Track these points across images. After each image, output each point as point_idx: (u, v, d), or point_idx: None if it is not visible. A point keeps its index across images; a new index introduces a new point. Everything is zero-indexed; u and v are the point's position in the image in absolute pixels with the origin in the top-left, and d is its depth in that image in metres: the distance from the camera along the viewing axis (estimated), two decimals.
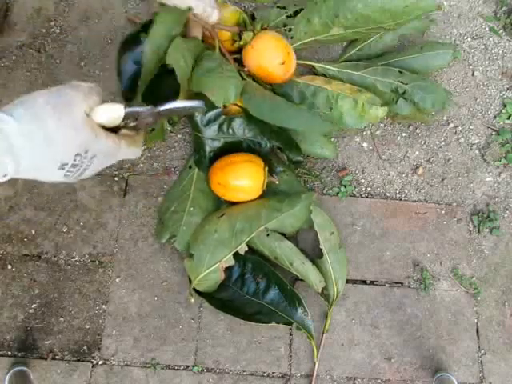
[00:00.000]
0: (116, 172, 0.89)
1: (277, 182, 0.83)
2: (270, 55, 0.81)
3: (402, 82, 0.86)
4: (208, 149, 0.84)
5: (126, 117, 0.53)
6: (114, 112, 0.52)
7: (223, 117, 0.83)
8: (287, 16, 0.89)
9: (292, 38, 0.88)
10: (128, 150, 0.56)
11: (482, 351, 0.86)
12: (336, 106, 0.84)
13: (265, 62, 0.82)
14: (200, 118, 0.83)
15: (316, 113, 0.85)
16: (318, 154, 0.90)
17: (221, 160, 0.83)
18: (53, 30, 0.95)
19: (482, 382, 0.85)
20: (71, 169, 0.52)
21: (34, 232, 0.85)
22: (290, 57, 0.83)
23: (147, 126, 0.57)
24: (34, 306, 0.82)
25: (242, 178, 0.80)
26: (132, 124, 0.55)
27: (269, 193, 0.84)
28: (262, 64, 0.82)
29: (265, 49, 0.81)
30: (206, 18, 0.76)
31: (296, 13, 0.89)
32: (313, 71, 0.91)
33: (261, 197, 0.83)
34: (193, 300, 0.81)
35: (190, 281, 0.80)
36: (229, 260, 0.79)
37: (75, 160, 0.52)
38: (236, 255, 0.80)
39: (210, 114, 0.83)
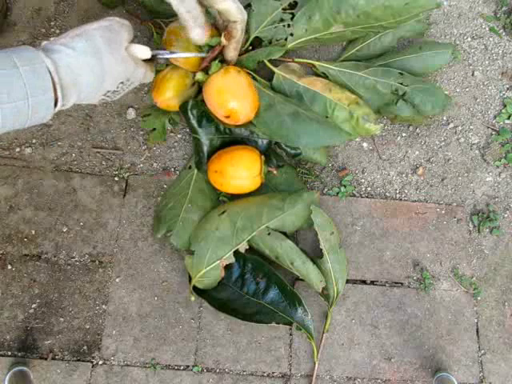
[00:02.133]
0: (116, 172, 0.89)
1: (275, 172, 0.83)
2: (215, 107, 0.81)
3: (402, 84, 0.86)
4: (206, 149, 0.84)
5: (151, 57, 0.67)
6: (144, 53, 0.64)
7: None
8: (283, 9, 0.88)
9: (292, 34, 0.87)
10: (148, 75, 0.67)
11: (482, 351, 0.86)
12: (332, 116, 0.85)
13: (212, 110, 0.82)
14: (197, 120, 0.83)
15: (325, 123, 0.83)
16: (310, 158, 0.89)
17: (218, 152, 0.84)
18: (53, 30, 0.95)
19: (481, 382, 0.85)
20: (111, 94, 0.62)
21: (33, 232, 0.85)
22: (237, 109, 0.79)
23: (158, 63, 0.75)
24: (34, 306, 0.82)
25: (238, 164, 0.80)
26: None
27: (269, 191, 0.85)
28: (211, 110, 0.82)
29: (211, 99, 0.81)
30: (188, 30, 0.73)
31: (291, 6, 0.88)
32: (313, 70, 0.91)
33: (260, 192, 0.83)
34: (193, 298, 0.81)
35: (190, 278, 0.81)
36: (229, 258, 0.80)
37: (117, 87, 0.61)
38: (236, 254, 0.80)
39: (207, 116, 0.83)
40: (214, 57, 0.79)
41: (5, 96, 0.47)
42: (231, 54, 0.79)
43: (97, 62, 0.56)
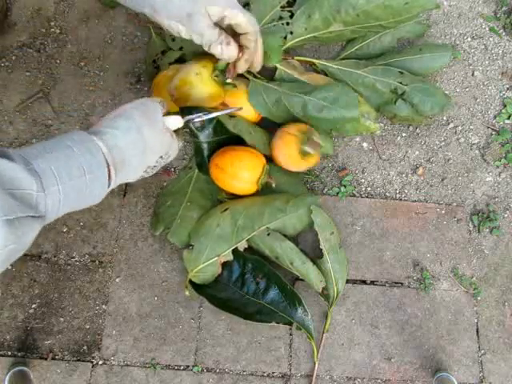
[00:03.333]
0: None
1: (273, 185, 0.83)
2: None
3: (401, 83, 0.86)
4: (206, 153, 0.84)
5: (184, 125, 0.67)
6: (178, 121, 0.65)
7: (216, 120, 0.84)
8: (281, 7, 0.88)
9: (291, 33, 0.87)
10: (179, 149, 0.68)
11: (482, 351, 0.86)
12: None
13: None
14: (194, 124, 0.83)
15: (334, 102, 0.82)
16: None
17: (224, 147, 0.84)
18: (53, 29, 0.95)
19: (481, 382, 0.85)
20: (150, 170, 0.63)
21: None
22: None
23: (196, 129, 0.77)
24: (34, 306, 0.82)
25: (240, 165, 0.80)
26: (183, 131, 0.71)
27: (269, 190, 0.84)
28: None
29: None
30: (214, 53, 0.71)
31: (290, 3, 0.88)
32: (313, 68, 0.91)
33: (260, 195, 0.83)
34: (187, 292, 0.81)
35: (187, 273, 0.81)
36: (228, 255, 0.80)
37: (157, 162, 0.62)
38: (236, 254, 0.80)
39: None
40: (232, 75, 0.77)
41: (65, 176, 0.49)
42: (242, 66, 0.75)
43: (139, 137, 0.58)
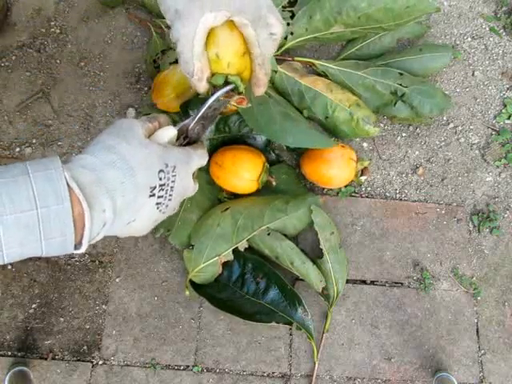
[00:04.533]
0: None
1: (273, 183, 0.83)
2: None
3: (401, 85, 0.86)
4: (206, 149, 0.85)
5: (179, 133, 0.57)
6: (170, 132, 0.55)
7: (219, 116, 0.84)
8: (282, 7, 0.88)
9: (292, 33, 0.87)
10: (197, 154, 0.56)
11: (482, 351, 0.86)
12: (332, 116, 0.86)
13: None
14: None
15: (313, 128, 0.84)
16: None
17: (224, 147, 0.84)
18: (53, 29, 0.95)
19: (481, 382, 0.85)
20: (160, 193, 0.51)
21: None
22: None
23: (199, 136, 0.60)
24: (34, 306, 0.82)
25: (241, 163, 0.81)
26: (185, 142, 0.58)
27: (268, 190, 0.85)
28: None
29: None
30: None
31: (291, 3, 0.88)
32: (313, 69, 0.91)
33: (260, 191, 0.83)
34: (187, 292, 0.81)
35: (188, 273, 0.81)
36: (228, 255, 0.80)
37: (160, 179, 0.50)
38: (236, 254, 0.80)
39: None
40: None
41: (8, 206, 0.39)
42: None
43: (115, 155, 0.47)
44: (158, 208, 0.51)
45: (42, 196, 0.40)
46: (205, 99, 0.56)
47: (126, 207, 0.47)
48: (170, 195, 0.52)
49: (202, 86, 0.55)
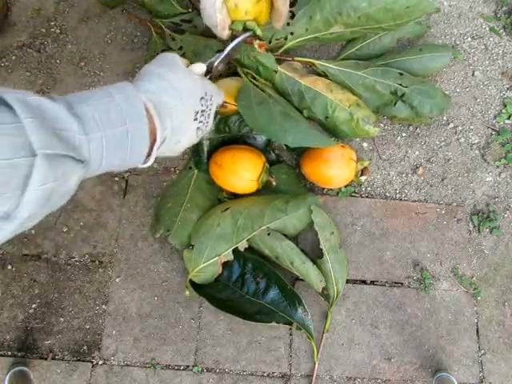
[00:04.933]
0: (116, 172, 0.89)
1: (273, 183, 0.83)
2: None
3: (401, 85, 0.86)
4: (206, 149, 0.86)
5: (208, 69, 0.65)
6: (201, 67, 0.62)
7: (219, 116, 0.84)
8: None
9: (292, 33, 0.87)
10: (219, 90, 0.65)
11: (482, 351, 0.86)
12: (332, 116, 0.86)
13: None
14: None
15: (313, 127, 0.84)
16: None
17: (223, 147, 0.84)
18: (53, 29, 0.95)
19: (481, 382, 0.85)
20: (201, 118, 0.60)
21: (33, 232, 0.85)
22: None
23: (220, 73, 0.75)
24: (34, 306, 0.82)
25: (241, 163, 0.81)
26: (208, 77, 0.66)
27: (268, 190, 0.85)
28: None
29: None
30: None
31: (291, 4, 0.88)
32: (313, 69, 0.91)
33: (260, 191, 0.83)
34: (187, 292, 0.82)
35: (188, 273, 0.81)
36: (228, 255, 0.80)
37: (202, 105, 0.59)
38: (237, 254, 0.80)
39: None
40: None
41: (106, 123, 0.45)
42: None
43: (166, 83, 0.54)
44: (197, 132, 0.60)
45: (128, 114, 0.47)
46: (228, 43, 0.69)
47: (178, 127, 0.55)
48: (207, 121, 0.61)
49: (225, 34, 0.66)
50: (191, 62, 0.64)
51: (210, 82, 0.63)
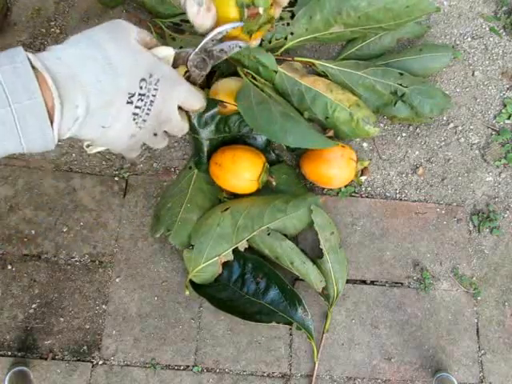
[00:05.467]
0: (116, 172, 0.89)
1: (273, 183, 0.83)
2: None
3: (401, 85, 0.86)
4: (206, 149, 0.86)
5: (177, 59, 0.54)
6: (166, 51, 0.52)
7: (219, 116, 0.84)
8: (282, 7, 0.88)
9: (292, 33, 0.88)
10: (189, 87, 0.53)
11: (482, 351, 0.86)
12: (332, 116, 0.86)
13: None
14: (197, 120, 0.83)
15: (313, 128, 0.84)
16: None
17: (223, 147, 0.84)
18: (53, 30, 0.95)
19: (482, 382, 0.85)
20: (139, 103, 0.48)
21: (33, 232, 0.85)
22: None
23: (201, 78, 0.57)
24: (34, 306, 0.82)
25: (240, 163, 0.81)
26: (185, 76, 0.55)
27: (268, 190, 0.85)
28: None
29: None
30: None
31: (291, 3, 0.88)
32: (313, 69, 0.92)
33: (260, 195, 0.83)
34: (187, 292, 0.82)
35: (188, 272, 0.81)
36: (228, 255, 0.80)
37: (141, 88, 0.48)
38: (236, 254, 0.80)
39: (207, 115, 0.83)
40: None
41: None
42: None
43: (97, 51, 0.45)
44: (134, 119, 0.49)
45: (14, 92, 0.39)
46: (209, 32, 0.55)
47: (102, 108, 0.45)
48: (149, 110, 0.50)
49: (209, 17, 0.54)
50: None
51: (168, 68, 0.51)
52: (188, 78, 0.56)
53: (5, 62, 0.39)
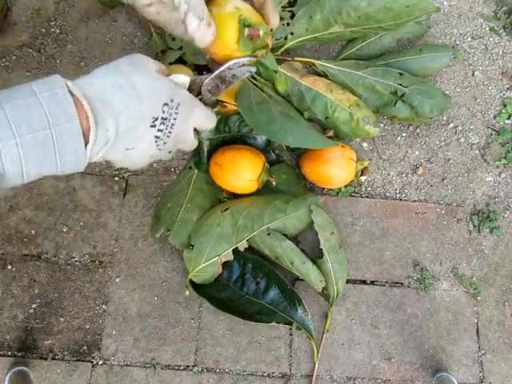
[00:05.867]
0: (116, 172, 0.89)
1: (273, 183, 0.83)
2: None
3: (401, 85, 0.86)
4: (206, 149, 0.86)
5: (192, 86, 0.56)
6: (182, 78, 0.55)
7: (219, 116, 0.84)
8: (282, 7, 0.88)
9: (292, 33, 0.88)
10: (204, 109, 0.57)
11: (482, 351, 0.86)
12: (332, 116, 0.86)
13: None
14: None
15: (313, 128, 0.84)
16: None
17: (223, 147, 0.84)
18: (53, 29, 0.95)
19: (482, 382, 0.85)
20: (161, 126, 0.52)
21: (33, 232, 0.85)
22: None
23: (212, 101, 0.59)
24: (34, 306, 0.82)
25: (240, 163, 0.81)
26: (199, 98, 0.57)
27: (268, 190, 0.85)
28: None
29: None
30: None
31: (291, 3, 0.88)
32: (313, 69, 0.92)
33: (260, 191, 0.83)
34: (187, 292, 0.82)
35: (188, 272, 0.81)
36: (228, 255, 0.80)
37: (164, 112, 0.51)
38: (236, 254, 0.80)
39: None
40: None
41: (24, 127, 0.40)
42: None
43: (123, 80, 0.48)
44: (156, 142, 0.52)
45: (54, 115, 0.41)
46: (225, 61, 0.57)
47: (128, 132, 0.48)
48: (170, 132, 0.53)
49: (210, 32, 0.55)
50: (189, 67, 0.58)
51: (186, 93, 0.55)
52: (200, 100, 0.58)
53: (45, 88, 0.42)
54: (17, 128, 0.40)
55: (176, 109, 0.52)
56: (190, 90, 0.57)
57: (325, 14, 0.84)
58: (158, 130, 0.51)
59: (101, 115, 0.45)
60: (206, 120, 0.58)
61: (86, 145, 0.44)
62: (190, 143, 0.58)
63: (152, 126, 0.50)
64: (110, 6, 0.96)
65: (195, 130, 0.58)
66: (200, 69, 0.65)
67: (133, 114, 0.48)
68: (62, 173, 0.45)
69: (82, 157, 0.44)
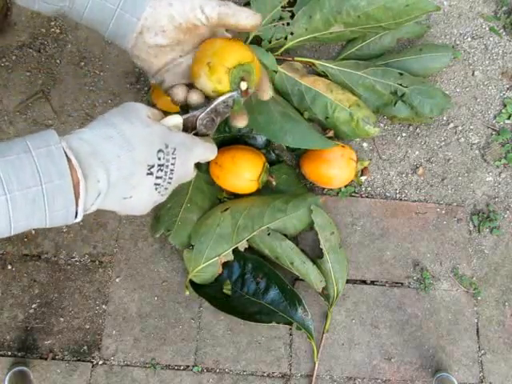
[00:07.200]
0: None
1: (273, 183, 0.83)
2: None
3: (401, 85, 0.87)
4: None
5: (186, 124, 0.56)
6: (175, 120, 0.55)
7: (228, 114, 0.84)
8: (282, 7, 0.88)
9: (292, 33, 0.88)
10: (203, 145, 0.56)
11: (482, 351, 0.86)
12: (332, 116, 0.86)
13: None
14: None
15: (313, 128, 0.84)
16: None
17: (224, 147, 0.84)
18: (53, 30, 0.95)
19: (481, 382, 0.85)
20: (159, 173, 0.51)
21: (33, 232, 0.85)
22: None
23: (208, 131, 0.58)
24: (34, 306, 0.82)
25: (240, 162, 0.81)
26: (193, 133, 0.57)
27: (268, 190, 0.85)
28: None
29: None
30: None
31: (290, 3, 0.88)
32: (313, 69, 0.92)
33: (260, 191, 0.83)
34: (187, 292, 0.82)
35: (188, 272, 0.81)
36: (228, 255, 0.80)
37: (159, 159, 0.51)
38: (236, 254, 0.80)
39: None
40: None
41: (15, 183, 0.41)
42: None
43: (113, 130, 0.48)
44: (156, 189, 0.52)
45: (46, 172, 0.42)
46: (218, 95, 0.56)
47: (122, 181, 0.48)
48: (170, 178, 0.53)
49: (195, 96, 0.56)
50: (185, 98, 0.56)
51: (181, 135, 0.54)
52: (196, 135, 0.57)
53: (40, 144, 0.43)
54: (8, 184, 0.41)
55: (173, 154, 0.52)
56: (184, 128, 0.56)
57: (325, 13, 0.84)
58: (157, 178, 0.51)
59: (90, 167, 0.45)
60: (207, 154, 0.58)
61: (77, 199, 0.45)
62: (190, 177, 0.58)
63: (149, 174, 0.50)
64: None
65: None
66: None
67: (124, 162, 0.48)
68: (49, 226, 0.46)
69: (72, 211, 0.45)
